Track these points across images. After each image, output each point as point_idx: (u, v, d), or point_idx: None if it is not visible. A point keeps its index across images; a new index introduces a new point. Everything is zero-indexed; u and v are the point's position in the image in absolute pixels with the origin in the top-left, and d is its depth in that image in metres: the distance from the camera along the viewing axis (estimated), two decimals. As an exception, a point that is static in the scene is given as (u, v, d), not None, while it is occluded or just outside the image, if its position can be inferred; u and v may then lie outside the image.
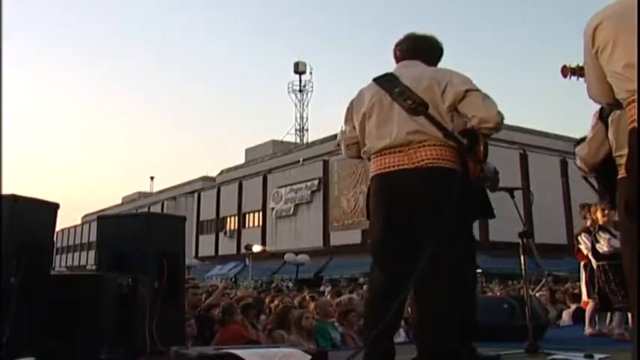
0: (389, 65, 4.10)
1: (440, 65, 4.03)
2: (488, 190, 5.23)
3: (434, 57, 3.97)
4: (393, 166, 3.61)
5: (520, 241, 5.63)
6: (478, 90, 3.61)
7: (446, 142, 3.56)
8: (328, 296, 12.15)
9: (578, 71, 3.82)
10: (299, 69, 61.10)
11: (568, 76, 4.02)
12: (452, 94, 3.56)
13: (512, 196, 5.71)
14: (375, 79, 3.82)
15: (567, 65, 4.03)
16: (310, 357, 3.91)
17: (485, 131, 3.63)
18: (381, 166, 3.68)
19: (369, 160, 3.83)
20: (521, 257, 5.67)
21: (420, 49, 3.94)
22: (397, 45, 3.98)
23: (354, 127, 3.91)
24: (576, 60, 3.47)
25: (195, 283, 9.57)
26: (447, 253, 3.46)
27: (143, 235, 5.23)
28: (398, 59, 3.96)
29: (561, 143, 39.11)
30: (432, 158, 3.52)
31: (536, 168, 38.80)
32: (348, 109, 4.02)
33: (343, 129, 4.13)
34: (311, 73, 61.67)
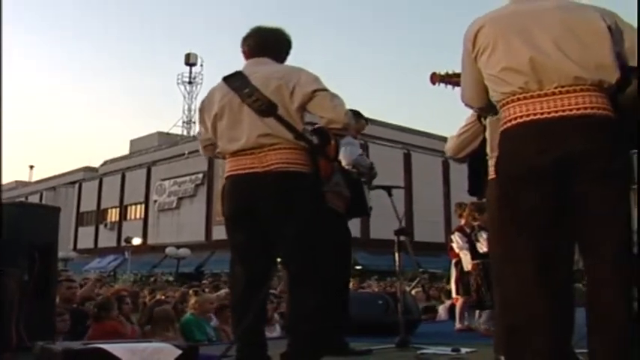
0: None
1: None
2: (366, 187, 5.33)
3: (283, 51, 3.90)
4: (245, 169, 3.57)
5: (396, 239, 5.75)
6: (326, 90, 3.58)
7: (297, 143, 3.53)
8: (208, 290, 12.06)
9: (446, 78, 3.94)
10: (190, 60, 60.02)
11: (437, 84, 4.13)
12: (300, 95, 3.52)
13: (390, 195, 5.81)
14: (224, 79, 3.73)
15: (437, 73, 4.13)
16: (181, 352, 3.85)
17: (334, 131, 3.66)
18: (233, 167, 3.64)
19: (225, 159, 3.78)
20: (396, 254, 5.78)
21: (268, 44, 3.85)
22: (244, 40, 3.87)
23: (208, 129, 3.84)
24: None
25: (68, 276, 9.26)
26: (306, 254, 3.50)
27: (13, 226, 4.96)
28: (247, 56, 3.86)
29: (443, 144, 40.07)
30: (281, 162, 3.49)
31: (419, 168, 39.84)
32: (200, 110, 3.92)
33: (199, 130, 4.07)
34: (202, 65, 60.88)
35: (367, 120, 5.69)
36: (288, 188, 3.49)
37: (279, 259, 3.67)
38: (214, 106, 3.72)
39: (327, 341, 4.20)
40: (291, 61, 3.93)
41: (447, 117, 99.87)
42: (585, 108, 2.67)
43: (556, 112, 2.69)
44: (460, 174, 4.39)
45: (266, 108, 3.51)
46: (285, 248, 3.46)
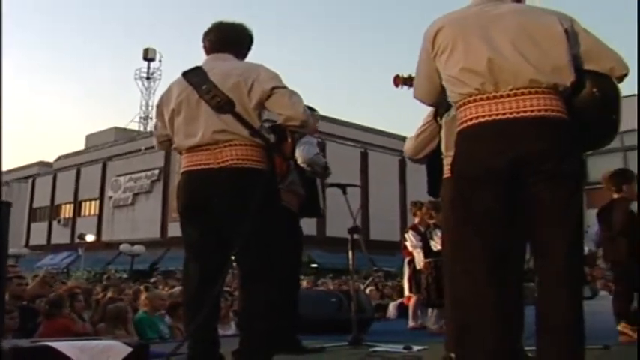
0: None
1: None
2: (319, 186, 5.34)
3: (244, 47, 3.89)
4: (200, 165, 3.55)
5: (349, 237, 5.77)
6: (285, 87, 3.58)
7: (252, 141, 3.52)
8: (160, 287, 11.95)
9: (409, 81, 3.98)
10: (148, 56, 59.16)
11: (400, 86, 4.16)
12: (258, 92, 3.51)
13: (345, 193, 5.82)
14: (183, 74, 3.71)
15: (400, 75, 4.17)
16: (131, 349, 3.81)
17: (292, 129, 3.65)
18: (189, 163, 3.63)
19: (181, 154, 3.75)
20: (349, 252, 5.80)
21: (229, 40, 3.83)
22: (205, 35, 3.85)
23: (165, 124, 3.80)
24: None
25: (17, 271, 9.06)
26: (260, 252, 3.51)
27: (-42, 221, 4.83)
28: (207, 51, 3.83)
29: (401, 143, 40.25)
30: (236, 158, 3.48)
31: (376, 166, 39.99)
32: (158, 104, 3.88)
33: (155, 124, 4.03)
34: (160, 60, 60.11)
35: (318, 115, 5.65)
36: (242, 185, 3.48)
37: (233, 256, 3.65)
38: (172, 101, 3.70)
39: (280, 339, 4.20)
40: (250, 57, 3.92)
41: (405, 117, 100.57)
42: (540, 110, 2.72)
43: (511, 113, 2.73)
44: (417, 174, 4.43)
45: (223, 104, 3.49)
46: (239, 245, 3.44)
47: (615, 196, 6.04)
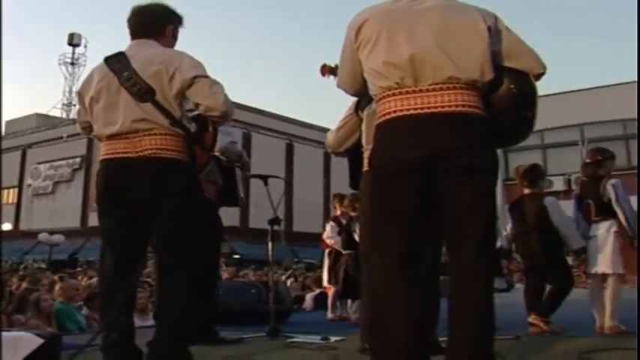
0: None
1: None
2: (239, 176, 5.31)
3: (166, 30, 3.78)
4: (118, 153, 3.48)
5: (269, 228, 5.77)
6: (207, 77, 3.52)
7: (172, 130, 3.47)
8: (80, 277, 11.70)
9: (336, 70, 3.96)
10: (73, 41, 57.54)
11: (326, 75, 4.17)
12: (179, 81, 3.45)
13: (266, 184, 5.81)
14: (105, 60, 3.61)
15: (327, 64, 4.18)
16: (43, 340, 3.71)
17: (214, 119, 3.62)
18: (107, 151, 3.55)
19: (101, 142, 3.67)
20: (269, 244, 5.81)
21: (147, 25, 3.73)
22: (127, 21, 3.76)
23: (86, 110, 3.72)
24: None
25: None
26: (178, 242, 3.46)
27: None
28: (131, 37, 3.74)
29: (326, 136, 40.38)
30: (155, 148, 3.43)
31: (301, 158, 40.04)
32: (79, 91, 3.79)
33: (78, 110, 3.93)
34: (86, 46, 58.63)
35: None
36: (160, 175, 3.42)
37: (151, 247, 3.59)
38: (92, 87, 3.61)
39: (198, 330, 4.17)
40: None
41: (332, 109, 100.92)
42: (457, 106, 2.76)
43: (429, 108, 2.76)
44: (341, 166, 4.45)
45: (144, 93, 3.42)
46: (156, 235, 3.39)
47: (527, 191, 6.20)
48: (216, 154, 4.81)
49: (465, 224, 2.76)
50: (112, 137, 3.53)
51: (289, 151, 40.62)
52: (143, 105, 3.43)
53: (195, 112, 3.60)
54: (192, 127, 3.53)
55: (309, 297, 11.24)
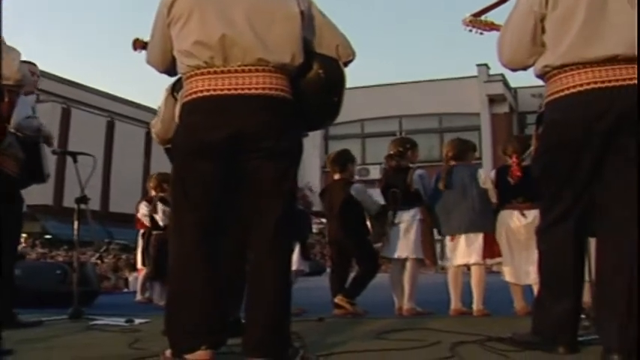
0: None
1: None
2: (44, 151, 5.07)
3: None
4: None
5: (76, 207, 5.58)
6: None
7: None
8: None
9: (147, 46, 3.87)
10: None
11: (138, 50, 4.05)
12: None
13: (75, 161, 5.62)
14: None
15: (139, 39, 4.05)
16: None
17: (9, 88, 3.44)
18: None
19: None
20: (75, 223, 5.60)
21: None
22: None
23: None
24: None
25: None
26: None
27: None
28: None
29: (149, 115, 39.38)
30: None
31: (121, 137, 38.82)
32: None
33: None
34: None
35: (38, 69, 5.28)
36: None
37: None
38: None
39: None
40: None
41: (155, 87, 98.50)
42: (264, 88, 2.79)
43: (236, 89, 2.77)
44: (161, 147, 4.31)
45: None
46: None
47: (336, 176, 6.35)
48: (11, 130, 4.54)
49: (267, 203, 2.81)
50: None
51: (110, 128, 39.29)
52: None
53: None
54: None
55: (131, 278, 11.00)
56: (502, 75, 29.51)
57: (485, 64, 29.85)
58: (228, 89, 2.77)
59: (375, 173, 25.49)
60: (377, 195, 6.25)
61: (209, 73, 2.80)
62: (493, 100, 30.32)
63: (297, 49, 2.89)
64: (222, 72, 2.79)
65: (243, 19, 2.81)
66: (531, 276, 4.90)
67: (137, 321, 4.84)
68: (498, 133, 27.17)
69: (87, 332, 4.42)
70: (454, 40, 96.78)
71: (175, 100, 4.06)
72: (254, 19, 2.82)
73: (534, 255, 3.44)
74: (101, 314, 5.36)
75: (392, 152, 6.06)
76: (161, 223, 7.39)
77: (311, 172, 27.86)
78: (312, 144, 27.46)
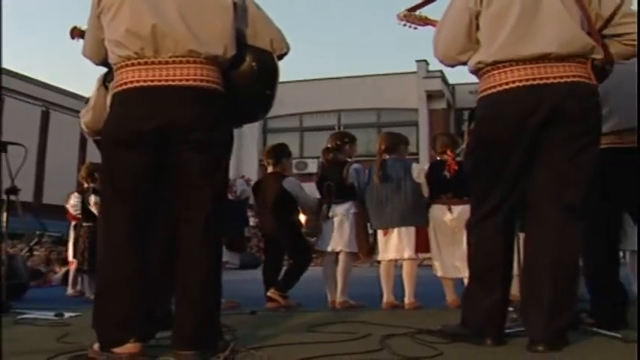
0: None
1: None
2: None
3: None
4: None
5: (5, 198, 5.47)
6: None
7: None
8: None
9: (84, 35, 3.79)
10: None
11: (76, 39, 3.96)
12: None
13: (5, 151, 5.49)
14: None
15: (77, 27, 3.96)
16: None
17: None
18: None
19: None
20: (4, 215, 5.48)
21: None
22: None
23: None
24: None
25: None
26: None
27: None
28: None
29: (84, 105, 38.73)
30: None
31: (56, 127, 38.02)
32: None
33: None
34: None
35: None
36: None
37: None
38: None
39: None
40: None
41: (93, 77, 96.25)
42: (195, 80, 2.78)
43: (166, 80, 2.75)
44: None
45: None
46: None
47: (270, 169, 6.34)
48: None
49: (197, 196, 2.81)
50: None
51: (45, 118, 38.43)
52: None
53: None
54: None
55: (60, 272, 10.77)
56: (441, 71, 29.75)
57: (425, 60, 30.08)
58: (159, 80, 2.76)
59: (313, 167, 25.45)
60: (312, 189, 6.26)
61: (139, 64, 2.78)
62: (431, 96, 30.60)
63: (230, 41, 2.89)
64: (153, 63, 2.77)
65: (174, 9, 2.80)
66: (460, 270, 5.00)
67: (67, 315, 4.76)
68: (436, 128, 27.40)
69: (14, 327, 4.32)
70: (397, 36, 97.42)
71: (107, 90, 4.00)
72: (185, 10, 2.81)
73: (460, 250, 3.51)
74: (31, 308, 5.25)
75: (329, 146, 6.08)
76: (96, 213, 7.27)
77: (248, 165, 27.70)
78: (251, 137, 27.32)
